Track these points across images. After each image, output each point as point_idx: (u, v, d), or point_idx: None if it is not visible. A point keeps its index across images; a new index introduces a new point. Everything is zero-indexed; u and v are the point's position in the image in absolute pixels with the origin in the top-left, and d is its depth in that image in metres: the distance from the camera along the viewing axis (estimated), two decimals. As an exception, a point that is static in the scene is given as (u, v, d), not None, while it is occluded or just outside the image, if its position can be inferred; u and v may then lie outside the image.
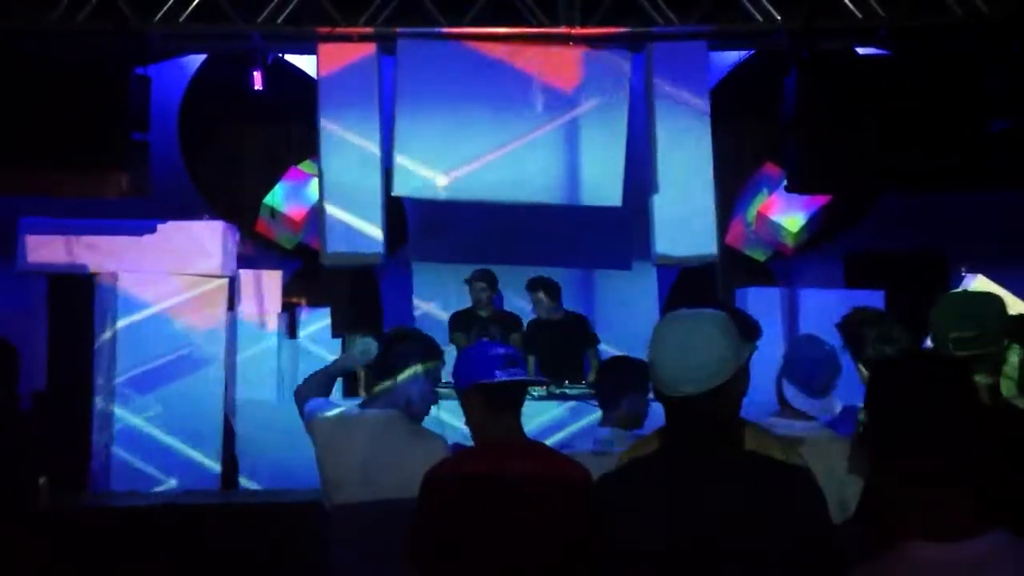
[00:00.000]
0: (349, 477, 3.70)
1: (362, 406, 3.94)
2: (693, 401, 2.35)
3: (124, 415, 7.49)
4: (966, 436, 1.87)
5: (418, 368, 3.83)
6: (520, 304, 8.68)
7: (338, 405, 4.02)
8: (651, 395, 4.49)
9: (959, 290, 5.95)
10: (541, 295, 8.07)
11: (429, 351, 3.90)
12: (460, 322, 8.27)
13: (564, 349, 7.91)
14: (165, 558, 6.19)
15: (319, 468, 3.83)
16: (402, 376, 3.82)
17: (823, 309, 7.83)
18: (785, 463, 2.61)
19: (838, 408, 3.81)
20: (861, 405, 2.15)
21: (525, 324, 8.22)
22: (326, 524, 3.81)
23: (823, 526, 2.35)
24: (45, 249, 7.66)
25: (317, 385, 4.06)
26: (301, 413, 3.96)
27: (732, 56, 9.15)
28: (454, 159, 8.33)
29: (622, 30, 8.39)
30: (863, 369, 3.71)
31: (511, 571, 3.12)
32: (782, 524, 2.27)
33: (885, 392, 1.97)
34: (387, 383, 3.84)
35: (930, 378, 1.94)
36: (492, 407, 3.26)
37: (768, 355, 3.34)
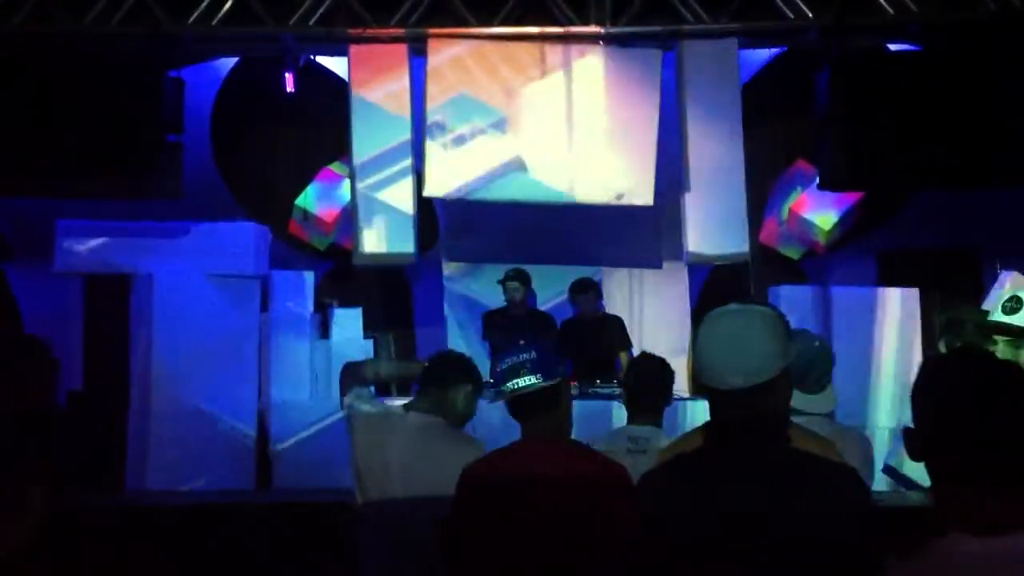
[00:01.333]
0: (388, 474, 3.74)
1: (407, 407, 4.02)
2: (739, 395, 2.33)
3: (159, 415, 7.54)
4: (1012, 433, 1.85)
5: (468, 387, 4.05)
6: (552, 303, 8.70)
7: (381, 403, 4.15)
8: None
9: None
10: (591, 295, 8.13)
11: (479, 378, 4.14)
12: (494, 322, 8.31)
13: (597, 349, 7.93)
14: (199, 557, 6.23)
15: (353, 460, 3.89)
16: (453, 390, 3.99)
17: (855, 307, 7.83)
18: (832, 460, 2.58)
19: (835, 401, 3.79)
20: None
21: (559, 323, 8.26)
22: (355, 521, 3.83)
23: (874, 523, 2.33)
24: (81, 251, 7.74)
25: (365, 375, 4.26)
26: (343, 391, 4.10)
27: (763, 54, 9.11)
28: (485, 160, 8.34)
29: (653, 28, 8.37)
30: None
31: (545, 569, 3.13)
32: (830, 521, 2.24)
33: (932, 387, 1.96)
34: (437, 392, 3.99)
35: (978, 373, 1.93)
36: (515, 416, 3.31)
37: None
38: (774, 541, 2.24)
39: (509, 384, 3.27)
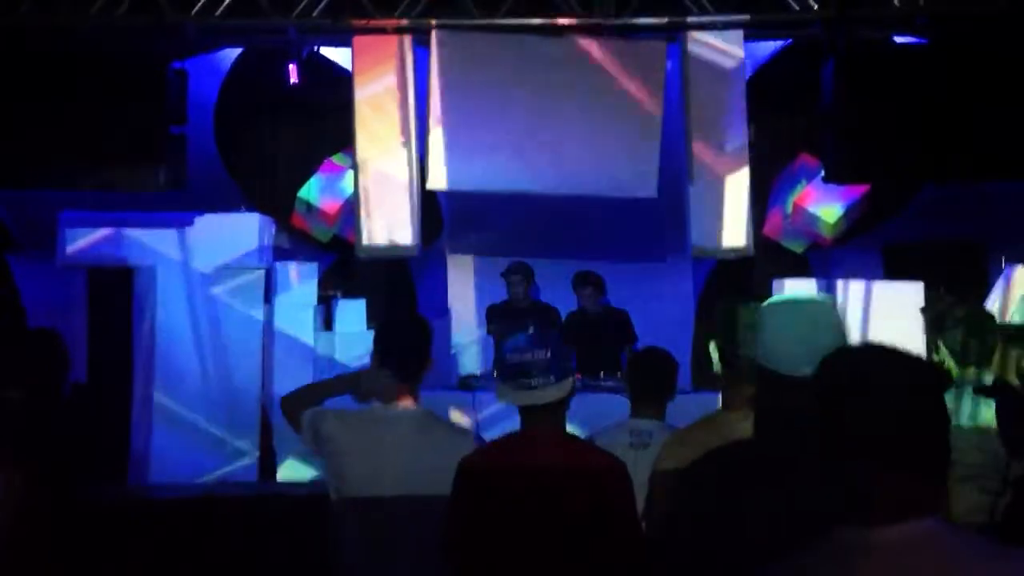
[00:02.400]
0: (383, 473, 3.57)
1: (386, 403, 3.71)
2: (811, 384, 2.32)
3: (163, 407, 7.55)
4: (910, 418, 1.82)
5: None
6: (555, 296, 8.69)
7: (344, 406, 3.85)
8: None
9: None
10: (591, 289, 8.12)
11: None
12: (497, 314, 8.31)
13: (602, 343, 7.93)
14: (203, 549, 6.23)
15: (336, 467, 3.64)
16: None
17: (860, 300, 7.80)
18: None
19: None
20: None
21: (563, 316, 8.26)
22: (340, 521, 3.65)
23: None
24: (84, 242, 7.73)
25: (311, 398, 3.85)
26: (296, 424, 3.73)
27: (768, 46, 9.08)
28: (488, 151, 8.33)
29: (657, 20, 8.34)
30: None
31: (542, 561, 3.13)
32: None
33: (834, 376, 1.93)
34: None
35: (879, 361, 1.89)
36: (524, 411, 3.28)
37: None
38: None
39: (522, 382, 3.21)
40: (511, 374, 3.25)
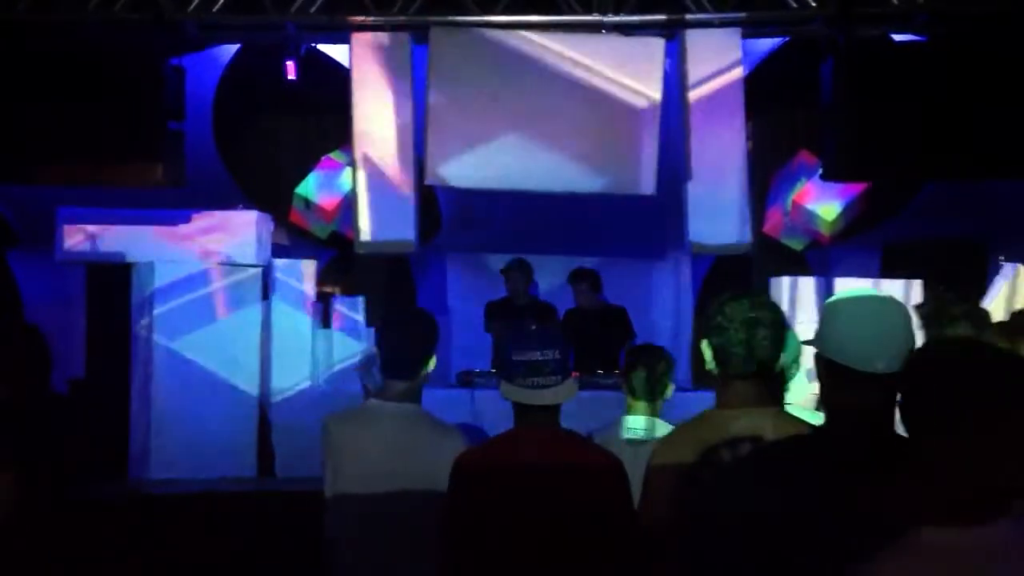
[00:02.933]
0: (369, 471, 3.55)
1: (385, 399, 3.70)
2: (883, 380, 2.29)
3: (161, 403, 7.55)
4: (983, 419, 1.82)
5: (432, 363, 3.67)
6: (553, 294, 8.69)
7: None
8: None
9: None
10: (585, 286, 8.11)
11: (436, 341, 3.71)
12: (496, 312, 8.30)
13: (601, 340, 7.92)
14: (202, 546, 6.24)
15: (333, 465, 3.65)
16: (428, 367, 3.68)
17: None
18: None
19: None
20: None
21: (561, 313, 8.25)
22: (331, 519, 3.66)
23: None
24: (83, 238, 7.73)
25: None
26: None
27: (766, 43, 9.08)
28: (487, 148, 8.33)
29: (655, 17, 8.35)
30: None
31: (541, 558, 3.13)
32: None
33: (918, 373, 1.94)
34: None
35: (964, 360, 1.90)
36: (522, 409, 3.27)
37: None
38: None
39: (532, 381, 3.20)
40: (520, 372, 3.22)
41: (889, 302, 2.44)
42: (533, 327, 3.36)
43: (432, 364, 3.70)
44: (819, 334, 2.44)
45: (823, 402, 2.48)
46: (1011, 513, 1.81)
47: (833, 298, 2.50)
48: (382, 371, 3.69)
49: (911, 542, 1.83)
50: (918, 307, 4.05)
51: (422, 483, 3.35)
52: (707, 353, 2.93)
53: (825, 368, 2.40)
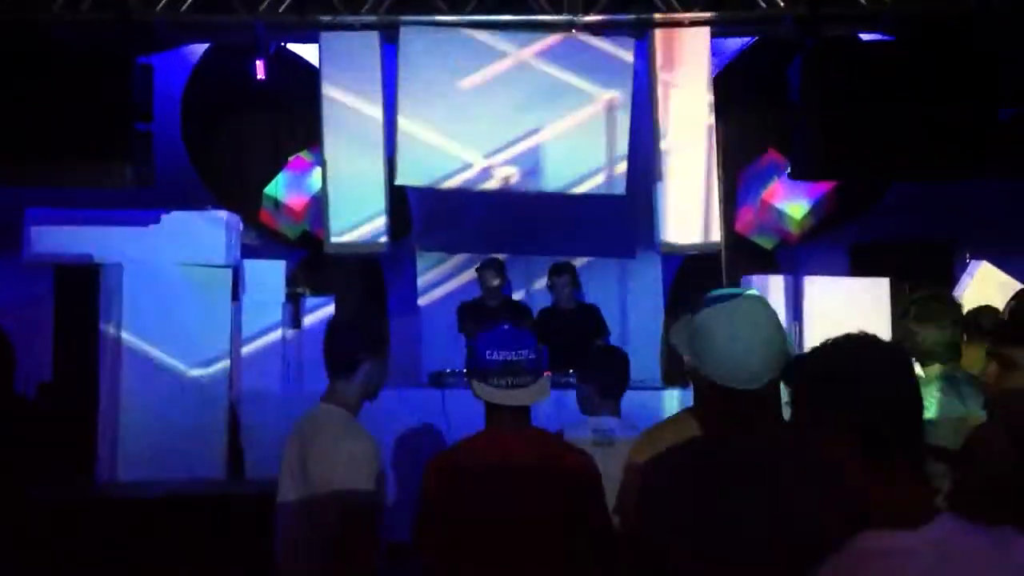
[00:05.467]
0: (295, 469, 3.49)
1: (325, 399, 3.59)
2: (755, 394, 2.31)
3: (129, 405, 7.49)
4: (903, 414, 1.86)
5: (367, 366, 3.49)
6: (525, 294, 8.70)
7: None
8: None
9: None
10: (565, 279, 8.13)
11: (377, 345, 3.56)
12: (470, 313, 8.29)
13: (574, 339, 7.92)
14: (170, 548, 6.20)
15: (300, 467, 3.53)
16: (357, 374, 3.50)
17: (826, 297, 7.85)
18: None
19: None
20: None
21: (535, 313, 8.26)
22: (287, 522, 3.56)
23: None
24: (50, 240, 7.66)
25: None
26: None
27: (735, 43, 9.12)
28: (457, 149, 8.32)
29: (625, 17, 8.37)
30: None
31: (512, 557, 3.13)
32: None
33: (820, 364, 1.95)
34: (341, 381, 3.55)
35: (864, 351, 1.92)
36: (494, 409, 3.27)
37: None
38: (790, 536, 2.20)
39: (506, 381, 3.19)
40: (493, 372, 3.22)
41: (758, 307, 2.40)
42: (506, 327, 3.36)
43: (359, 366, 3.51)
44: (695, 350, 2.41)
45: (702, 409, 2.46)
46: (939, 512, 1.83)
47: (704, 312, 2.43)
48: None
49: (863, 547, 1.84)
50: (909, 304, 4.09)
51: (325, 486, 3.27)
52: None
53: (708, 386, 2.40)
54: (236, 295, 7.81)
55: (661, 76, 8.39)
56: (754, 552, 2.22)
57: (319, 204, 8.69)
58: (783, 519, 2.21)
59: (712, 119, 8.39)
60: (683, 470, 2.39)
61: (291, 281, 8.36)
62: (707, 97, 8.39)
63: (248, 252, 8.15)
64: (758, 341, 2.34)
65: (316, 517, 3.29)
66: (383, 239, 8.42)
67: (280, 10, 8.13)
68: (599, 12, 8.27)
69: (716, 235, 8.42)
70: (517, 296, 8.75)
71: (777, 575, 2.18)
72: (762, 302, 2.44)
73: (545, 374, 3.34)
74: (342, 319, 3.93)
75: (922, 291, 4.39)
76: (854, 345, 1.92)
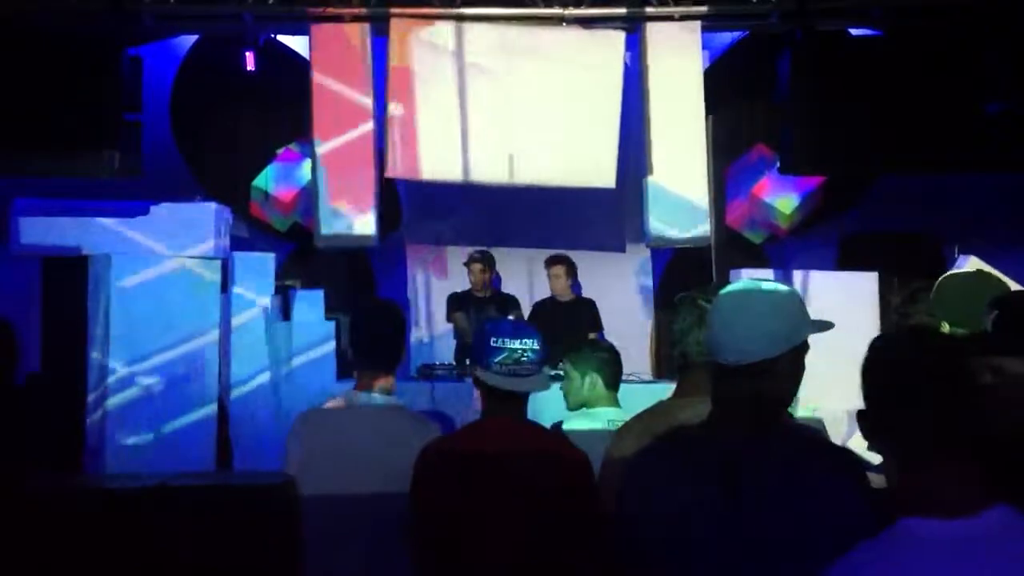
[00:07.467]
0: (344, 465, 3.54)
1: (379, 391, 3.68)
2: (735, 372, 2.31)
3: (117, 397, 7.48)
4: (960, 409, 1.85)
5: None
6: (514, 286, 8.71)
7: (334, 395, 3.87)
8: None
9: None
10: (561, 270, 8.16)
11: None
12: (458, 303, 8.32)
13: (568, 331, 7.94)
14: (158, 540, 6.18)
15: (306, 461, 3.65)
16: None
17: (815, 290, 7.88)
18: (833, 445, 2.53)
19: None
20: None
21: (530, 305, 8.28)
22: (305, 516, 3.60)
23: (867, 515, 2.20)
24: (38, 231, 7.63)
25: None
26: None
27: (726, 37, 9.13)
28: (447, 141, 8.31)
29: (616, 11, 8.37)
30: None
31: (504, 549, 3.13)
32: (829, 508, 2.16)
33: (877, 367, 1.95)
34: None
35: (921, 352, 1.93)
36: (493, 398, 3.27)
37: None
38: (777, 525, 2.19)
39: (514, 368, 3.20)
40: (501, 360, 3.23)
41: (759, 294, 2.41)
42: (511, 317, 3.38)
43: (401, 356, 3.71)
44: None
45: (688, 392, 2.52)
46: (994, 503, 1.82)
47: (717, 297, 2.47)
48: (360, 363, 3.67)
49: (901, 535, 1.83)
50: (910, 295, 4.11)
51: (395, 480, 3.32)
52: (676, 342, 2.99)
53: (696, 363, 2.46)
54: (225, 287, 7.80)
55: (652, 70, 8.39)
56: (746, 544, 2.22)
57: (308, 196, 8.67)
58: (774, 510, 2.20)
59: (703, 112, 8.39)
60: (661, 462, 2.39)
61: (281, 274, 8.35)
62: (698, 91, 8.39)
63: (237, 244, 8.13)
64: (752, 314, 2.35)
65: (391, 511, 3.31)
66: (373, 233, 8.41)
67: (270, 1, 8.12)
68: (590, 5, 8.27)
69: (706, 229, 8.43)
70: (504, 288, 8.74)
71: (769, 570, 2.18)
72: (768, 285, 2.46)
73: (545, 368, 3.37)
74: (390, 312, 3.92)
75: None
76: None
